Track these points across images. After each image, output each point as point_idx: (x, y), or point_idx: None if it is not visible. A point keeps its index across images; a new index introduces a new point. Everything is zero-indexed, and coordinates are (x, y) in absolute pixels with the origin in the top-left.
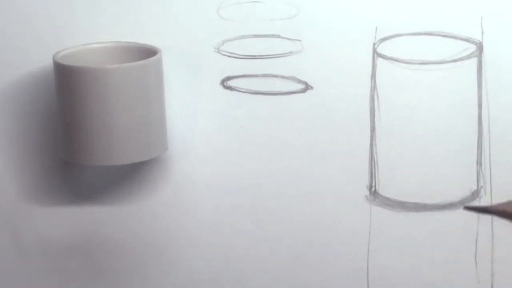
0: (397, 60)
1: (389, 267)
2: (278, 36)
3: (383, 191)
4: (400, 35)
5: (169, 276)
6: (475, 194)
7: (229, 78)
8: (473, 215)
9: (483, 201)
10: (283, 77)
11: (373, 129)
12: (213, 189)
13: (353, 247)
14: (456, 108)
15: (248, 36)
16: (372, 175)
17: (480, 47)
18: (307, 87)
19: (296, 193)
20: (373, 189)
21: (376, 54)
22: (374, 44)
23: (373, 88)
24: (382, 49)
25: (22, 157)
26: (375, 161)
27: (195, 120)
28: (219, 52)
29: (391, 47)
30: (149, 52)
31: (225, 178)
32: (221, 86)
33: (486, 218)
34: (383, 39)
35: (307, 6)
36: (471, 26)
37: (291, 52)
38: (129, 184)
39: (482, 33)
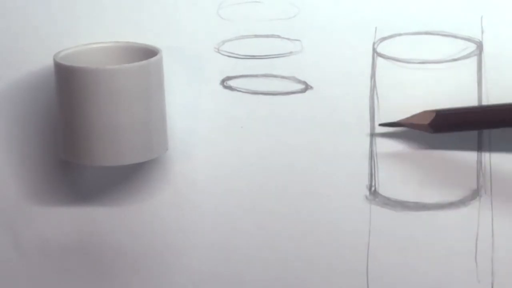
0: (397, 60)
1: (389, 266)
2: (278, 36)
3: (383, 190)
4: (400, 34)
5: (169, 276)
6: (475, 193)
7: (229, 78)
8: (473, 214)
9: (483, 200)
10: (283, 77)
11: (373, 129)
12: (213, 189)
13: (353, 246)
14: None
15: (248, 36)
16: (372, 174)
17: (480, 46)
18: (307, 87)
19: (296, 193)
20: (373, 188)
21: (376, 53)
22: (374, 43)
23: (373, 87)
24: (382, 48)
25: (22, 157)
26: (375, 160)
27: (195, 120)
28: (219, 52)
29: (391, 47)
30: (149, 52)
31: (225, 178)
32: (221, 86)
33: (486, 218)
34: (383, 39)
35: (307, 6)
36: (471, 25)
37: (291, 52)
38: (129, 185)
39: (482, 32)
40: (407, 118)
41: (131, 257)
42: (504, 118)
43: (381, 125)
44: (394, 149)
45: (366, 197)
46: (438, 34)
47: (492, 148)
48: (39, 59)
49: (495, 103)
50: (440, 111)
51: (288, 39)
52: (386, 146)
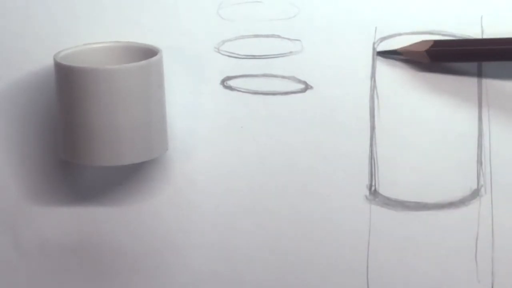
0: (397, 60)
1: (389, 266)
2: (278, 36)
3: (383, 190)
4: (400, 34)
5: (169, 276)
6: (475, 193)
7: (229, 78)
8: (473, 214)
9: (484, 200)
10: (283, 77)
11: (373, 129)
12: (213, 189)
13: (352, 246)
14: (456, 107)
15: (248, 36)
16: (372, 174)
17: None
18: (307, 87)
19: (296, 193)
20: (373, 188)
21: (376, 53)
22: (373, 43)
23: (373, 87)
24: (382, 48)
25: (22, 157)
26: (375, 160)
27: (195, 120)
28: (219, 52)
29: (391, 47)
30: (149, 52)
31: (225, 178)
32: (221, 86)
33: (486, 218)
34: (383, 39)
35: (307, 6)
36: (471, 25)
37: (291, 52)
38: (129, 185)
39: (482, 31)
40: (405, 47)
41: (131, 257)
42: (502, 50)
43: (379, 53)
44: (394, 148)
45: (366, 197)
46: (438, 34)
47: (492, 148)
48: (39, 59)
49: (492, 37)
50: (439, 40)
51: (288, 39)
52: (386, 145)
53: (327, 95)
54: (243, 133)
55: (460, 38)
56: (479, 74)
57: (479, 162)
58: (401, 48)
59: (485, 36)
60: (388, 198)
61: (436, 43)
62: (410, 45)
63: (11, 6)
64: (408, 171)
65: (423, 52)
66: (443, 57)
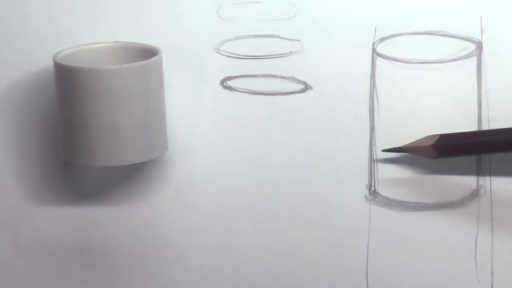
0: (396, 60)
1: (389, 266)
2: (278, 36)
3: (382, 190)
4: (399, 34)
5: (169, 276)
6: (475, 193)
7: (229, 78)
8: (473, 214)
9: (483, 200)
10: (282, 77)
11: (372, 129)
12: (214, 189)
13: (352, 246)
14: (456, 108)
15: (248, 36)
16: (371, 174)
17: (479, 46)
18: (306, 87)
19: (296, 193)
20: (372, 188)
21: (375, 53)
22: (373, 43)
23: (373, 87)
24: (382, 48)
25: (22, 157)
26: (375, 160)
27: (195, 120)
28: (219, 52)
29: (390, 47)
30: (149, 52)
31: (225, 178)
32: (221, 86)
33: (486, 218)
34: (383, 39)
35: (307, 6)
36: (471, 25)
37: (290, 52)
38: (129, 185)
39: (482, 32)
40: (411, 143)
41: (131, 257)
42: (510, 143)
43: (384, 151)
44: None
45: (366, 197)
46: (438, 34)
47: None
48: (39, 59)
49: (499, 128)
50: (445, 134)
51: (288, 39)
52: (386, 145)
53: (327, 95)
54: (243, 133)
55: (468, 131)
56: (479, 74)
57: (479, 162)
58: (406, 144)
59: (484, 37)
60: (388, 198)
61: (442, 137)
62: (415, 141)
63: (11, 6)
64: (408, 171)
65: (429, 146)
66: (452, 151)
